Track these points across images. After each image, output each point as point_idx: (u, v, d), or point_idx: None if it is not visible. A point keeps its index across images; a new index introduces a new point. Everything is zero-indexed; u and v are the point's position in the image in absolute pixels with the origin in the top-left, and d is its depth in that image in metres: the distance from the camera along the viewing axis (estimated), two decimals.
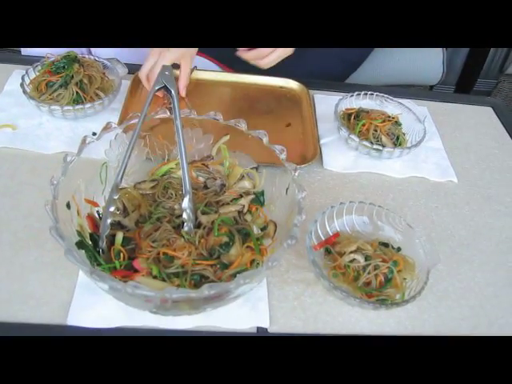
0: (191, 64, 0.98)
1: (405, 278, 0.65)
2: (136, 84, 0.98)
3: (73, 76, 0.86)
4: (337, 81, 1.36)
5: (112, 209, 0.60)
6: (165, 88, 0.66)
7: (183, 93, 0.97)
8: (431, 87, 1.65)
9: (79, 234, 0.59)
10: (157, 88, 0.66)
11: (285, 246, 0.53)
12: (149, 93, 0.65)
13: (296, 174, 0.62)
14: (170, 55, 0.93)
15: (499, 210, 0.86)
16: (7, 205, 0.73)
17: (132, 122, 0.67)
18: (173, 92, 0.66)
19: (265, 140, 0.67)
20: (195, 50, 0.98)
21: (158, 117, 0.69)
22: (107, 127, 0.66)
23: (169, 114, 0.69)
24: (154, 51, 0.94)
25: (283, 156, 0.65)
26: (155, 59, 0.93)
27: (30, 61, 0.97)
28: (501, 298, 0.70)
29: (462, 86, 1.71)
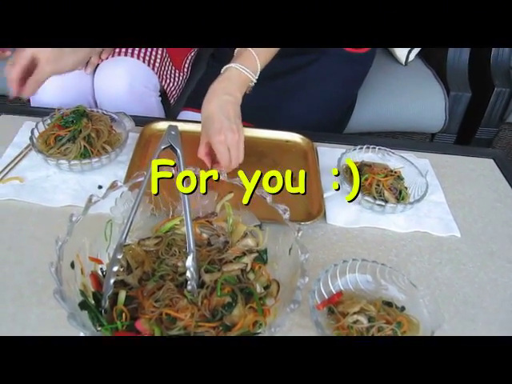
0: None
1: None
2: (144, 137, 1.00)
3: (81, 130, 0.88)
4: (337, 127, 1.38)
5: (115, 268, 0.60)
6: (171, 147, 0.68)
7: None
8: (433, 135, 1.68)
9: (82, 293, 0.59)
10: (163, 147, 0.67)
11: (288, 310, 0.53)
12: (155, 151, 0.67)
13: (299, 234, 0.62)
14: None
15: (503, 265, 0.85)
16: (12, 259, 0.73)
17: (138, 180, 0.68)
18: (178, 151, 0.67)
19: (268, 199, 0.68)
20: None
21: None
22: (113, 186, 0.67)
23: (174, 171, 0.71)
24: None
25: (286, 216, 0.66)
26: None
27: (39, 113, 1.00)
28: None
29: (464, 134, 1.73)
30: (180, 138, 0.68)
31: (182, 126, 1.03)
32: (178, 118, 1.28)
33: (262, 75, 0.94)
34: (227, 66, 0.92)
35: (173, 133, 0.68)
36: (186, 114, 1.27)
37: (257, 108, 1.01)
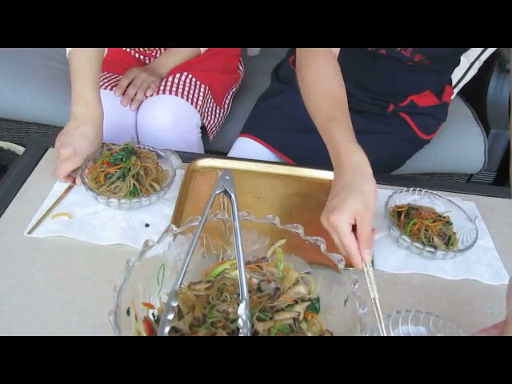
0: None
1: None
2: (189, 174, 1.00)
3: (130, 168, 0.89)
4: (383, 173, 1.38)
5: (170, 317, 0.60)
6: (224, 192, 0.68)
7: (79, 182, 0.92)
8: (471, 175, 1.65)
9: None
10: (217, 192, 0.67)
11: None
12: (210, 196, 0.67)
13: (356, 287, 0.61)
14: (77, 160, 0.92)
15: None
16: (62, 299, 0.74)
17: (192, 224, 0.68)
18: (233, 196, 0.67)
19: (322, 247, 0.67)
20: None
21: (216, 219, 0.70)
22: (168, 230, 0.67)
23: (227, 216, 0.71)
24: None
25: (341, 265, 0.65)
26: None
27: None
28: None
29: (504, 172, 1.70)
30: (234, 183, 0.68)
31: (232, 163, 1.06)
32: (235, 145, 1.27)
33: None
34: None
35: (227, 178, 0.68)
36: (243, 142, 1.26)
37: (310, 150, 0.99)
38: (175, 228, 0.67)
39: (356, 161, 0.78)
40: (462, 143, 1.52)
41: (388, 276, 0.84)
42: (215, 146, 1.44)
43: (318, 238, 0.68)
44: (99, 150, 0.96)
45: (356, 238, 0.74)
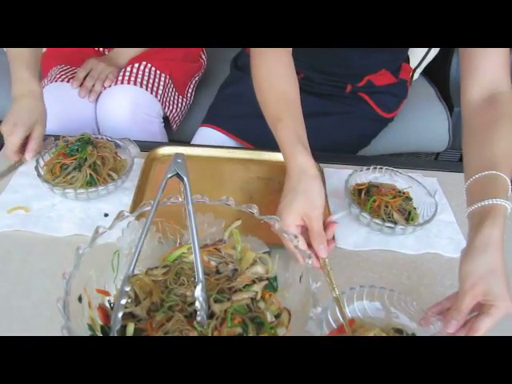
0: (44, 128, 0.97)
1: None
2: (148, 163, 0.99)
3: (86, 158, 0.88)
4: (349, 153, 1.38)
5: (124, 301, 0.59)
6: (177, 175, 0.67)
7: (28, 156, 0.94)
8: (438, 153, 1.67)
9: (90, 327, 0.58)
10: (169, 175, 0.67)
11: None
12: (161, 181, 0.66)
13: (310, 262, 0.61)
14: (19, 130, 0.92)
15: None
16: (19, 292, 0.73)
17: (145, 209, 0.67)
18: (185, 179, 0.67)
19: (277, 226, 0.67)
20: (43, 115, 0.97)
21: (169, 203, 0.70)
22: (120, 216, 0.66)
23: (180, 199, 0.70)
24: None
25: (296, 242, 0.64)
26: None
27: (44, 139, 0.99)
28: None
29: None
30: (187, 166, 0.67)
31: (192, 150, 1.05)
32: (196, 135, 1.27)
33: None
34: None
35: (179, 161, 0.67)
36: (204, 131, 1.26)
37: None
38: (127, 213, 0.66)
39: (300, 163, 0.79)
40: (426, 122, 1.54)
41: (349, 253, 0.85)
42: (179, 135, 1.43)
43: (273, 216, 0.68)
44: (43, 122, 0.97)
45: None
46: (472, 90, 0.87)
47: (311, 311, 0.55)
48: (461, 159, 1.67)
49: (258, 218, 0.69)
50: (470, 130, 0.85)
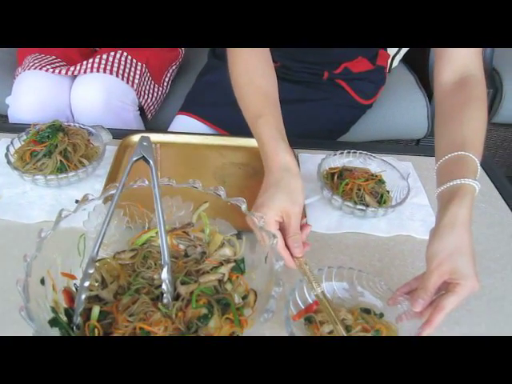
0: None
1: None
2: (122, 150, 0.99)
3: (57, 145, 0.87)
4: (329, 139, 1.38)
5: (87, 284, 0.59)
6: (143, 158, 0.67)
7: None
8: (418, 140, 1.68)
9: (53, 310, 0.58)
10: (135, 159, 0.66)
11: (261, 320, 0.52)
12: (128, 163, 0.65)
13: (274, 241, 0.61)
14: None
15: (488, 266, 0.85)
16: None
17: (110, 192, 0.67)
18: (151, 162, 0.66)
19: (243, 207, 0.67)
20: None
21: (136, 186, 0.69)
22: (84, 199, 0.65)
23: (147, 183, 0.70)
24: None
25: (261, 223, 0.65)
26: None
27: (16, 129, 0.99)
28: None
29: None
30: (153, 149, 0.67)
31: (166, 137, 1.05)
32: (173, 123, 1.26)
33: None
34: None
35: (145, 144, 0.67)
36: (181, 119, 1.25)
37: None
38: (91, 197, 0.66)
39: (282, 160, 0.78)
40: (405, 109, 1.54)
41: (321, 236, 0.85)
42: (156, 124, 1.42)
43: (239, 198, 0.68)
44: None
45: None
46: (444, 74, 0.87)
47: (273, 290, 0.56)
48: None
49: (225, 201, 0.69)
50: (441, 112, 0.85)
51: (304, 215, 0.89)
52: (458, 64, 0.86)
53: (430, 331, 0.64)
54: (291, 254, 0.72)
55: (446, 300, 0.65)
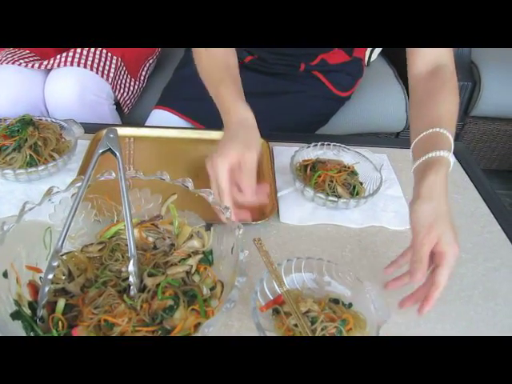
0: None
1: None
2: (94, 144, 0.98)
3: (27, 139, 0.86)
4: (307, 132, 1.39)
5: (51, 276, 0.58)
6: (110, 150, 0.66)
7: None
8: (398, 133, 1.69)
9: (16, 303, 0.58)
10: (101, 151, 0.66)
11: (223, 310, 0.52)
12: (93, 156, 0.65)
13: (240, 232, 0.61)
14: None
15: (460, 256, 0.85)
16: None
17: (76, 185, 0.67)
18: (118, 154, 0.66)
19: (210, 198, 0.67)
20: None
21: (103, 179, 0.69)
22: (49, 192, 0.65)
23: (114, 175, 0.69)
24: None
25: (228, 214, 0.65)
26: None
27: None
28: None
29: None
30: (119, 141, 0.67)
31: (141, 131, 1.04)
32: (150, 117, 1.26)
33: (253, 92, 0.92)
34: None
35: (111, 136, 0.67)
36: (157, 114, 1.25)
37: None
38: (56, 189, 0.65)
39: (242, 115, 0.81)
40: (384, 101, 1.55)
41: (293, 228, 0.85)
42: (133, 118, 1.41)
43: (206, 189, 0.68)
44: None
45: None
46: (417, 64, 0.90)
47: (237, 280, 0.56)
48: None
49: (193, 192, 0.69)
50: (415, 98, 0.88)
51: (275, 189, 0.92)
52: (430, 55, 0.89)
53: (429, 308, 0.66)
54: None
55: (440, 275, 0.67)
